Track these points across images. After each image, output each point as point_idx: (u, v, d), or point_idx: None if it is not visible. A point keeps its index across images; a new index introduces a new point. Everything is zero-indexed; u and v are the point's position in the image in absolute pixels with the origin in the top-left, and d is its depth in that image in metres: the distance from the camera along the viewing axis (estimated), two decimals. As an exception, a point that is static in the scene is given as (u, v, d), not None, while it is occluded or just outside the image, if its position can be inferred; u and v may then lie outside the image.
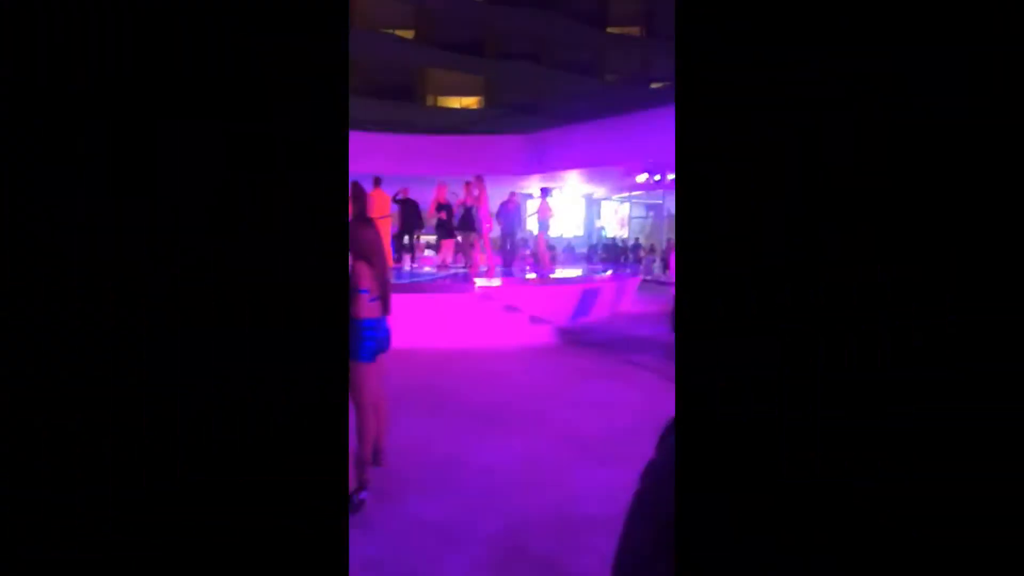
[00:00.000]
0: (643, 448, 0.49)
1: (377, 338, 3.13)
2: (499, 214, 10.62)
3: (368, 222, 3.18)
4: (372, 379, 3.15)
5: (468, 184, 9.52)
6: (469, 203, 9.43)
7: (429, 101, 22.93)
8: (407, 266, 10.33)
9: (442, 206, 10.21)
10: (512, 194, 10.75)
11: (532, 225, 11.54)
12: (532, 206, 13.38)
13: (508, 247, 10.77)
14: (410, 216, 10.11)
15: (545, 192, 10.72)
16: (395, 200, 9.66)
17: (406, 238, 10.52)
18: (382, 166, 10.91)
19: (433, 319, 7.14)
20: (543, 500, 3.22)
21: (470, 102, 23.49)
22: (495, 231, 10.27)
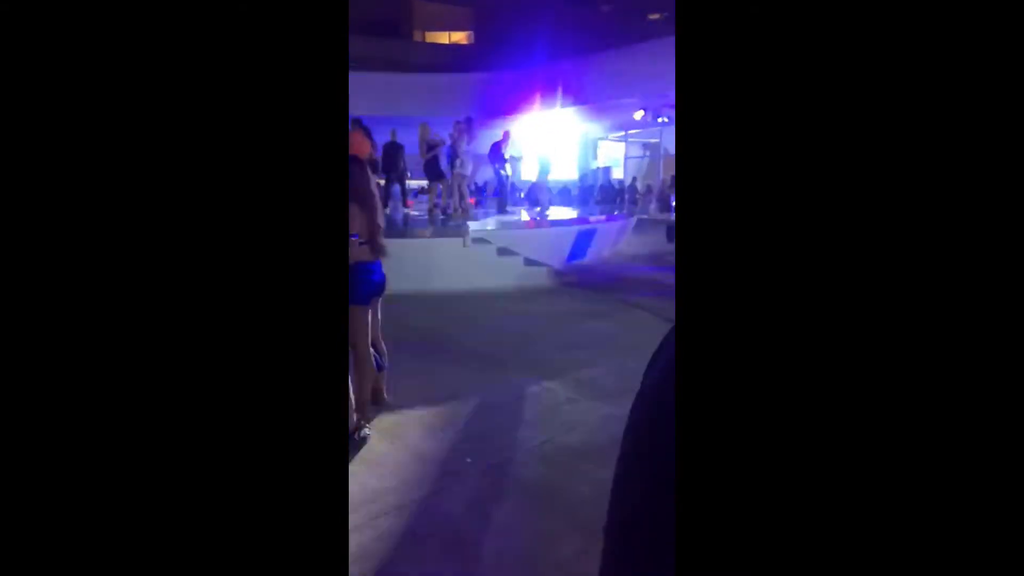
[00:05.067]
0: (635, 385, 0.51)
1: (371, 281, 3.15)
2: (491, 154, 10.35)
3: (358, 164, 3.11)
4: (368, 321, 3.19)
5: (459, 125, 9.29)
6: (454, 144, 9.24)
7: (417, 36, 22.06)
8: (399, 211, 10.20)
9: (431, 147, 9.97)
10: (506, 133, 10.46)
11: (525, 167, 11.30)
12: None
13: (502, 190, 10.60)
14: (394, 160, 9.85)
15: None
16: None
17: (396, 184, 10.32)
18: (367, 107, 10.56)
19: (428, 263, 7.14)
20: (539, 433, 3.35)
21: (459, 37, 22.62)
22: (487, 173, 10.04)
